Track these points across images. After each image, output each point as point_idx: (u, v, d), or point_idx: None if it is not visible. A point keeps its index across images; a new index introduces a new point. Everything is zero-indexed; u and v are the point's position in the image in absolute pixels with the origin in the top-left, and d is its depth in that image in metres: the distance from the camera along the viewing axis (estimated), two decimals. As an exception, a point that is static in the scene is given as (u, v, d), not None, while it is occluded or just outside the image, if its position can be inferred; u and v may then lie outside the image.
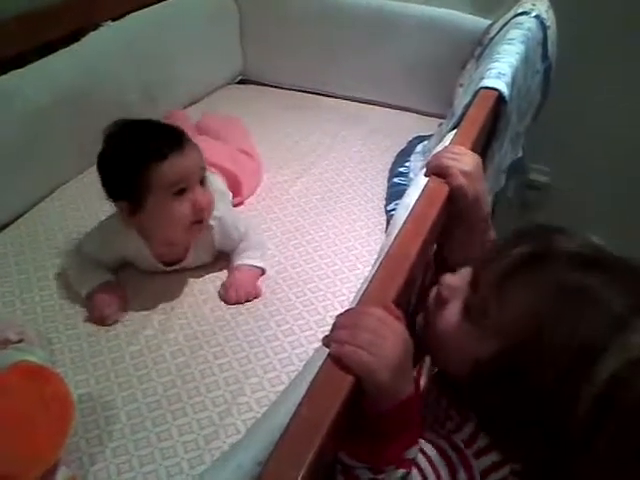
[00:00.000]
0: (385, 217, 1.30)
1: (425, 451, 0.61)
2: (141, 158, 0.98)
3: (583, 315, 0.57)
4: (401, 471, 0.58)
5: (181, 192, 1.00)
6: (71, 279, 1.10)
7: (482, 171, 0.89)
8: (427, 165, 0.90)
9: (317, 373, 0.53)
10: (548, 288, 0.60)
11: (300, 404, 0.50)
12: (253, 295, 1.08)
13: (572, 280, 0.59)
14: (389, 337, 0.57)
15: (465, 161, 0.86)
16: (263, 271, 1.13)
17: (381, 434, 0.57)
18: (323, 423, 0.48)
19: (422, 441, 0.62)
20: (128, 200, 1.02)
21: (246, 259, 1.12)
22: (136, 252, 1.10)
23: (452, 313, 0.66)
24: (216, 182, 1.20)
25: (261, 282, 1.12)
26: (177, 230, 1.03)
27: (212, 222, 1.08)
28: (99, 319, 1.03)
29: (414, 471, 0.59)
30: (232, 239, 1.13)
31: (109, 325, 1.03)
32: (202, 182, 1.03)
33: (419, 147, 1.53)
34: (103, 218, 1.26)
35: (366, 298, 0.63)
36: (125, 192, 1.01)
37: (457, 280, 0.68)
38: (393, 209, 1.27)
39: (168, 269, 1.13)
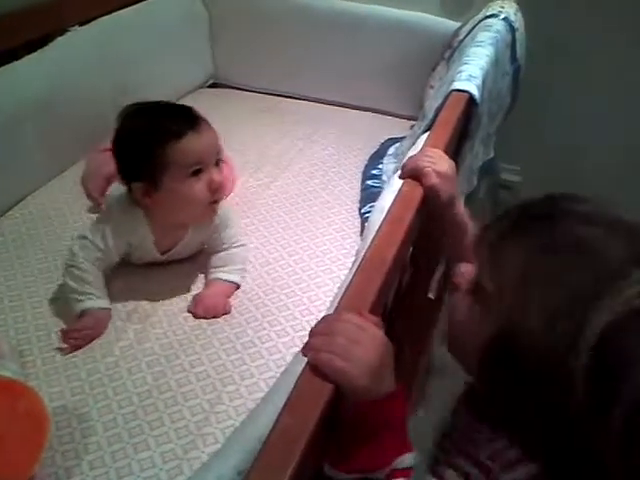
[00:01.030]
0: (359, 219, 1.30)
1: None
2: (158, 136, 0.98)
3: (576, 267, 0.52)
4: None
5: (197, 173, 1.00)
6: (68, 289, 1.04)
7: (455, 174, 0.90)
8: (402, 168, 0.91)
9: (297, 381, 0.53)
10: (541, 245, 0.55)
11: (281, 413, 0.50)
12: (221, 313, 1.06)
13: (569, 234, 0.55)
14: (365, 342, 0.56)
15: (440, 163, 0.88)
16: (238, 286, 1.12)
17: (361, 437, 0.56)
18: (305, 431, 0.48)
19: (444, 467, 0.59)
20: (144, 180, 1.01)
21: (223, 273, 1.11)
22: (140, 239, 1.08)
23: (461, 298, 0.63)
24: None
25: (236, 290, 1.12)
26: (194, 209, 1.04)
27: None
28: (79, 339, 1.00)
29: None
30: (222, 234, 1.13)
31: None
32: (217, 163, 1.03)
33: (391, 149, 1.54)
34: (72, 226, 1.26)
35: (344, 302, 0.63)
36: (141, 172, 1.01)
37: (469, 267, 0.64)
38: (367, 212, 1.28)
39: (162, 258, 1.12)
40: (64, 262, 1.07)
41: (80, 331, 1.00)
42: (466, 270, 0.64)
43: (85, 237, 1.05)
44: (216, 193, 1.03)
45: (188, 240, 1.12)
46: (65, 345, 0.99)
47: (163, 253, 1.12)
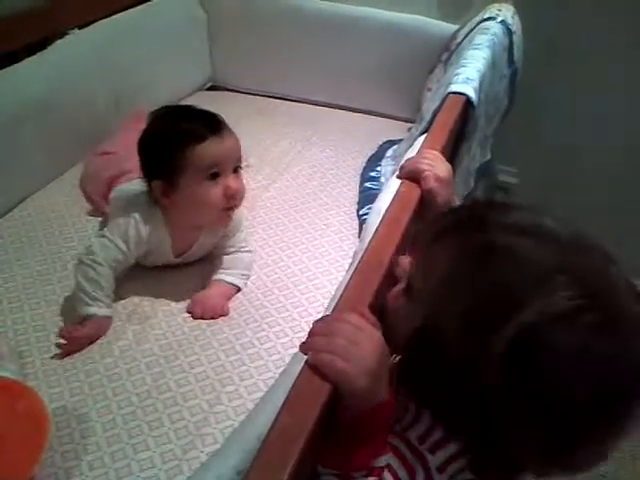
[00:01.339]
0: (357, 221, 1.31)
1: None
2: (180, 138, 1.01)
3: (502, 272, 0.54)
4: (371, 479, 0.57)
5: (214, 177, 1.02)
6: (79, 288, 1.02)
7: (452, 178, 0.91)
8: (401, 168, 0.91)
9: (296, 381, 0.53)
10: (468, 248, 0.58)
11: (279, 412, 0.51)
12: (218, 315, 1.06)
13: (499, 241, 0.56)
14: (365, 343, 0.57)
15: (439, 167, 0.88)
16: (239, 289, 1.12)
17: (352, 438, 0.57)
18: (303, 430, 0.49)
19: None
20: (163, 179, 1.03)
21: (226, 276, 1.11)
22: (159, 241, 1.09)
23: (397, 290, 0.67)
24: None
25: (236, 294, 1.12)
26: (208, 214, 1.05)
27: None
28: (77, 343, 1.00)
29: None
30: (232, 238, 1.14)
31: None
32: (236, 171, 1.05)
33: (389, 151, 1.54)
34: (72, 229, 1.27)
35: (342, 304, 0.64)
36: (161, 171, 1.03)
37: (407, 259, 0.69)
38: (365, 214, 1.28)
39: (176, 261, 1.14)
40: (78, 257, 1.06)
41: (81, 338, 1.00)
42: (403, 262, 0.69)
43: (106, 236, 1.05)
44: (232, 199, 1.04)
45: (201, 242, 1.13)
46: (63, 342, 0.99)
47: (177, 256, 1.13)
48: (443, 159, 0.91)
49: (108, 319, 1.04)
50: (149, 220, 1.07)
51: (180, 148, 1.00)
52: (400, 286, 0.67)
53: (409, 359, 0.64)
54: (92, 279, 1.02)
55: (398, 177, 0.90)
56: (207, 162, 1.01)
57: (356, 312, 0.60)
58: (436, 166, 0.88)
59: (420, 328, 0.59)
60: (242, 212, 1.17)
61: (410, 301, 0.64)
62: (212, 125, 1.03)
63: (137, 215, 1.06)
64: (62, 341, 0.99)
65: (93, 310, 1.02)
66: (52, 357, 0.99)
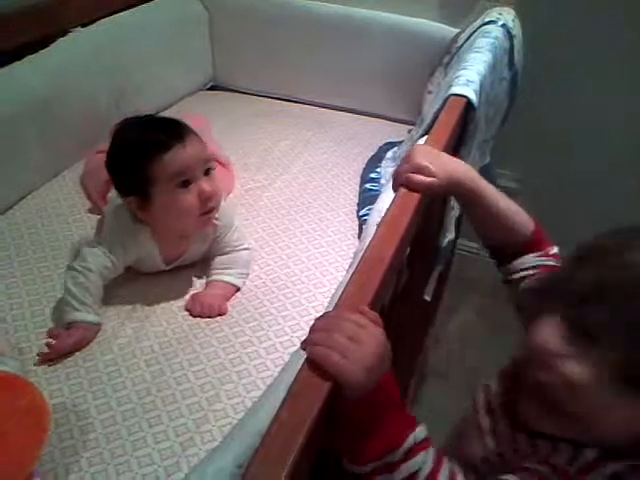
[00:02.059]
0: (357, 222, 1.31)
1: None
2: (143, 151, 1.00)
3: None
4: (415, 460, 0.57)
5: (186, 184, 1.01)
6: (68, 293, 1.02)
7: (441, 151, 0.87)
8: (393, 182, 0.88)
9: (296, 376, 0.54)
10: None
11: (280, 407, 0.51)
12: (216, 314, 1.07)
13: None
14: (363, 341, 0.57)
15: (415, 160, 0.82)
16: (238, 289, 1.13)
17: (368, 425, 0.57)
18: (303, 425, 0.49)
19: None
20: (136, 194, 1.03)
21: (224, 275, 1.12)
22: (147, 252, 1.09)
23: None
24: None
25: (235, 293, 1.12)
26: (187, 221, 1.04)
27: (216, 214, 1.09)
28: (62, 348, 0.98)
29: None
30: (226, 238, 1.14)
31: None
32: (207, 172, 1.04)
33: (389, 153, 1.55)
34: (72, 226, 1.27)
35: (342, 302, 0.64)
36: (132, 187, 1.03)
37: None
38: (365, 214, 1.29)
39: (168, 268, 1.13)
40: (69, 263, 1.06)
41: (65, 346, 0.98)
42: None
43: (95, 246, 1.06)
44: (208, 202, 1.03)
45: (193, 250, 1.13)
46: (51, 342, 0.97)
47: (169, 264, 1.13)
48: (415, 150, 0.84)
49: (95, 326, 1.02)
50: (135, 232, 1.06)
51: (146, 161, 0.99)
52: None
53: None
54: (81, 285, 1.02)
55: (394, 190, 0.86)
56: (175, 171, 0.99)
57: (357, 310, 0.61)
58: (412, 163, 0.82)
59: None
60: (231, 210, 1.17)
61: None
62: (174, 132, 1.01)
63: (124, 227, 1.06)
64: (51, 341, 0.98)
65: (81, 316, 1.01)
66: (35, 364, 0.97)
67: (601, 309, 0.55)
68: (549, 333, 0.58)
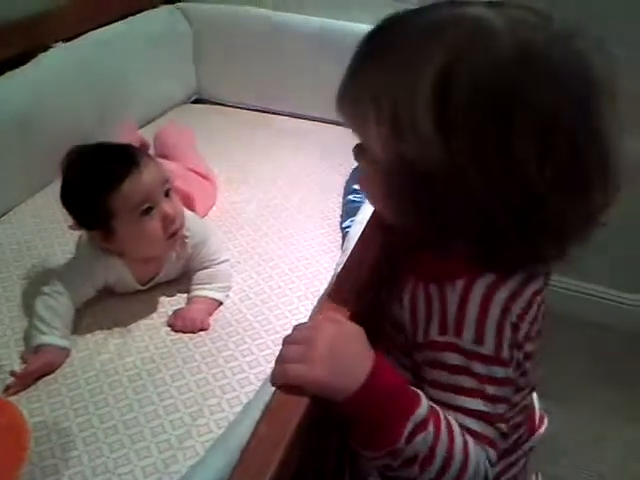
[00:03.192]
0: (340, 234, 1.31)
1: None
2: (99, 184, 0.97)
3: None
4: (421, 435, 0.54)
5: (148, 210, 0.99)
6: (36, 317, 1.01)
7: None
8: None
9: (274, 391, 0.53)
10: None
11: (258, 422, 0.51)
12: (198, 329, 1.05)
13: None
14: (313, 337, 0.56)
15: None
16: (220, 304, 1.12)
17: (369, 422, 0.55)
18: (282, 441, 0.49)
19: None
20: (98, 228, 1.01)
21: (206, 290, 1.10)
22: (118, 276, 1.08)
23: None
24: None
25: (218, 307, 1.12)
26: (154, 247, 1.03)
27: (186, 232, 1.08)
28: (28, 377, 0.95)
29: None
30: (202, 253, 1.12)
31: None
32: (167, 194, 1.02)
33: (373, 164, 1.55)
34: (54, 242, 1.26)
35: (319, 310, 0.64)
36: (93, 222, 1.01)
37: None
38: (348, 226, 1.29)
39: (144, 288, 1.12)
40: (39, 289, 1.05)
41: (31, 372, 0.95)
42: None
43: (64, 273, 1.05)
44: (172, 225, 1.01)
45: (168, 269, 1.12)
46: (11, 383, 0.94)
47: (144, 284, 1.12)
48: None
49: (64, 351, 0.99)
50: (102, 262, 1.05)
51: (103, 196, 0.96)
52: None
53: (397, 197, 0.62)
54: (51, 307, 1.00)
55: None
56: (135, 201, 0.97)
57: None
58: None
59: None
60: (202, 226, 1.16)
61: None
62: (128, 159, 0.99)
63: (89, 259, 1.05)
64: (16, 370, 0.95)
65: (49, 339, 0.98)
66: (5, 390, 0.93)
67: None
68: None
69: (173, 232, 1.02)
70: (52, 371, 0.97)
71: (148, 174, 0.99)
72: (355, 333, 0.58)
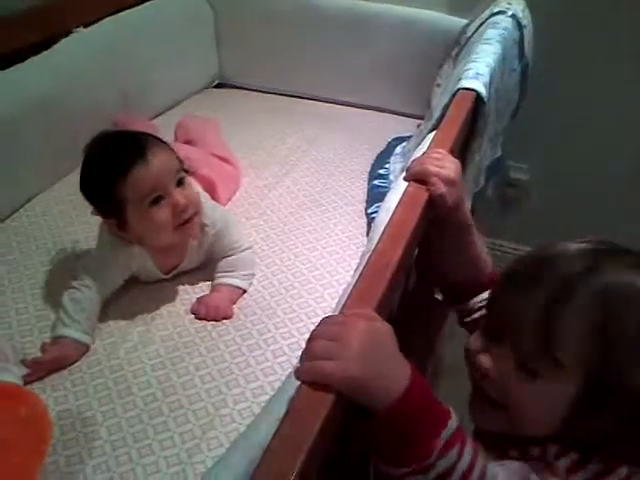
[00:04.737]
0: (366, 220, 1.29)
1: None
2: (108, 174, 0.97)
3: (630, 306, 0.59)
4: (449, 456, 0.54)
5: (158, 199, 0.98)
6: (61, 309, 1.01)
7: (462, 176, 0.88)
8: (407, 170, 0.89)
9: (297, 389, 0.52)
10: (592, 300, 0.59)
11: (281, 423, 0.49)
12: (221, 317, 1.04)
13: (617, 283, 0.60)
14: (347, 334, 0.54)
15: (447, 167, 0.85)
16: (244, 291, 1.10)
17: (401, 435, 0.54)
18: (305, 442, 0.47)
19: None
20: (113, 217, 1.01)
21: (229, 278, 1.09)
22: (140, 264, 1.07)
23: (516, 386, 0.63)
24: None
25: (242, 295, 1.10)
26: (162, 236, 1.02)
27: (205, 221, 1.07)
28: (42, 368, 0.95)
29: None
30: (225, 241, 1.11)
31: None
32: (181, 182, 1.01)
33: (398, 149, 1.52)
34: (78, 229, 1.26)
35: (346, 310, 0.62)
36: (107, 210, 1.01)
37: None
38: (374, 212, 1.27)
39: (167, 277, 1.11)
40: (69, 280, 1.05)
41: (45, 362, 0.95)
42: (483, 360, 0.66)
43: (89, 265, 1.05)
44: (183, 214, 1.00)
45: (190, 258, 1.11)
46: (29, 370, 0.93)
47: (168, 273, 1.11)
48: (450, 157, 0.88)
49: (82, 346, 0.98)
50: (125, 250, 1.04)
51: (113, 185, 0.96)
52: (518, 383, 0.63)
53: (574, 424, 0.62)
54: (76, 300, 1.00)
55: (405, 179, 0.88)
56: (143, 190, 0.96)
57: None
58: (443, 166, 0.85)
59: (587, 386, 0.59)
60: (222, 214, 1.14)
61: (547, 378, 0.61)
62: (134, 150, 0.97)
63: (112, 248, 1.05)
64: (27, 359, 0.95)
65: (68, 331, 0.98)
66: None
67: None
68: (474, 337, 0.69)
69: (184, 221, 1.00)
70: (65, 365, 0.96)
71: (156, 163, 0.97)
72: (388, 332, 0.57)
